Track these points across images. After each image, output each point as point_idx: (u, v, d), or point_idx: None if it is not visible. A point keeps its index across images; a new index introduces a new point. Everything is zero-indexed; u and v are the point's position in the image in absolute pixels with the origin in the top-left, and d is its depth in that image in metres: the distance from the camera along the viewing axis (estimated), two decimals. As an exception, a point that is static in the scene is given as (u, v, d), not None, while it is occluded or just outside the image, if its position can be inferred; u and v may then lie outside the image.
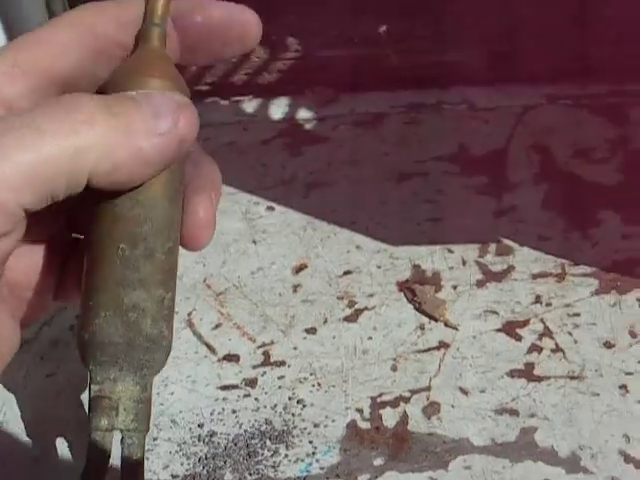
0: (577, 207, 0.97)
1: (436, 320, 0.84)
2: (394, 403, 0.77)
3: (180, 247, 0.42)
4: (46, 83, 0.36)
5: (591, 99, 1.13)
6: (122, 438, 0.53)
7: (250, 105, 1.18)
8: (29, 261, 0.41)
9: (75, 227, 0.44)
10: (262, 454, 0.73)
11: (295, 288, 0.89)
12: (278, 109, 1.16)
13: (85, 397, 0.77)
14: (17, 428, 0.78)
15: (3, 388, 0.81)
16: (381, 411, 0.76)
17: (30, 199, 0.32)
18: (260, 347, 0.83)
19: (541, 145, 1.06)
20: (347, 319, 0.85)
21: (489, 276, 0.89)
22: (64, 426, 0.77)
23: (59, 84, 0.37)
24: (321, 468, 0.72)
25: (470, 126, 1.11)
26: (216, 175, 0.39)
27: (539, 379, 0.78)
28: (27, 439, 0.76)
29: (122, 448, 0.53)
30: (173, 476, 0.72)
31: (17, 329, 0.44)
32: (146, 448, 0.73)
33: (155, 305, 0.47)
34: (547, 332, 0.82)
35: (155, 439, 0.75)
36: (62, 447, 0.76)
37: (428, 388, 0.78)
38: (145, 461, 0.73)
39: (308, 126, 1.12)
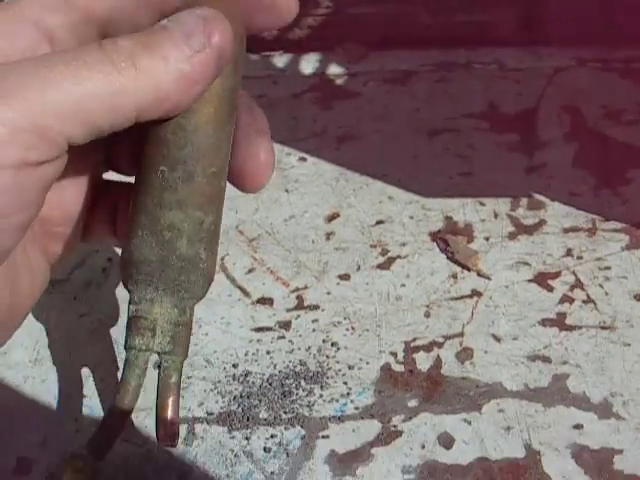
0: (607, 166, 0.97)
1: (469, 270, 0.85)
2: (428, 348, 0.77)
3: (238, 188, 0.43)
4: (85, 20, 0.36)
5: (621, 63, 1.13)
6: (159, 361, 0.53)
7: (280, 60, 1.18)
8: (61, 197, 0.43)
9: (110, 166, 0.46)
10: (297, 394, 0.74)
11: (328, 236, 0.89)
12: (308, 64, 1.16)
13: (118, 337, 0.78)
14: (50, 367, 0.78)
15: (37, 328, 0.82)
16: (415, 355, 0.77)
17: (74, 131, 0.33)
18: (294, 292, 0.83)
19: (571, 106, 1.06)
20: (380, 266, 0.86)
21: (521, 229, 0.89)
22: (97, 365, 0.78)
23: (98, 24, 0.37)
24: (356, 408, 0.72)
25: (500, 86, 1.11)
26: (266, 120, 0.40)
27: (571, 328, 0.78)
28: (60, 377, 0.77)
29: (159, 370, 0.54)
30: (208, 413, 0.72)
31: (47, 266, 0.44)
32: (181, 386, 0.74)
33: (192, 227, 0.47)
34: (578, 284, 0.83)
35: (189, 377, 0.75)
36: (94, 386, 0.76)
37: (461, 334, 0.78)
38: (180, 398, 0.74)
39: (339, 81, 1.13)
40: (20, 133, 0.31)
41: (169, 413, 0.54)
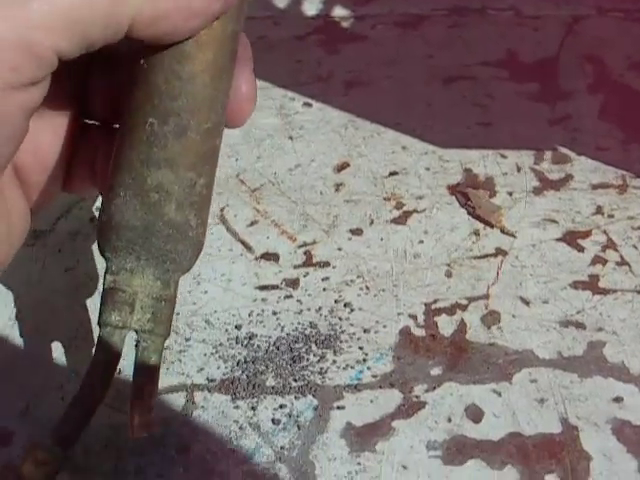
0: (636, 119, 0.91)
1: (492, 226, 0.78)
2: (450, 310, 0.70)
3: None
4: None
5: (643, 13, 1.06)
6: (137, 340, 0.45)
7: (281, 1, 1.10)
8: (38, 145, 0.39)
9: (91, 113, 0.42)
10: (307, 359, 0.67)
11: (337, 187, 0.82)
12: (312, 5, 1.09)
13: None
14: (32, 326, 0.71)
15: (17, 283, 0.74)
16: (436, 318, 0.70)
17: (65, 43, 0.30)
18: (301, 247, 0.76)
19: (594, 56, 1.00)
20: (395, 221, 0.78)
21: (546, 184, 0.82)
22: (83, 325, 0.71)
23: None
24: (373, 376, 0.65)
25: (517, 33, 1.04)
26: (249, 48, 0.38)
27: (605, 292, 0.72)
28: (42, 336, 0.69)
29: (136, 349, 0.46)
30: (209, 380, 0.65)
31: (28, 210, 0.40)
32: (179, 349, 0.66)
33: (183, 189, 0.41)
34: (611, 244, 0.76)
35: (188, 340, 0.68)
36: (80, 348, 0.69)
37: (486, 296, 0.71)
38: (178, 362, 0.66)
39: (345, 24, 1.05)
40: (4, 51, 0.29)
41: (145, 399, 0.46)
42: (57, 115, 0.40)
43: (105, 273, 0.43)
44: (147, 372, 0.46)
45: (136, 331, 0.45)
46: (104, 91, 0.41)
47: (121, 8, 0.31)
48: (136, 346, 0.47)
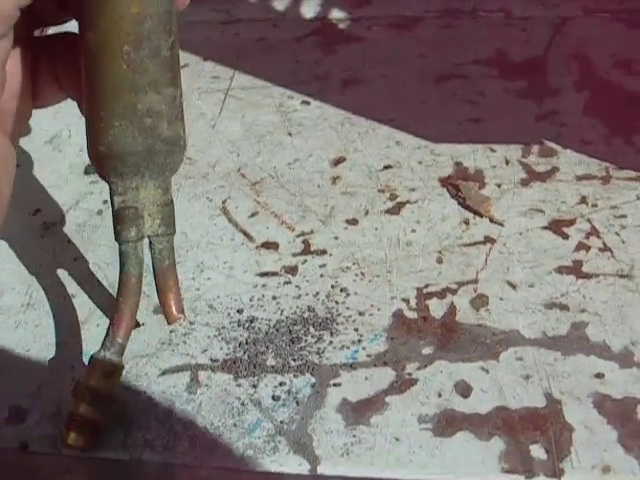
0: (619, 115, 0.94)
1: (481, 216, 0.81)
2: (441, 294, 0.74)
3: None
4: None
5: (629, 13, 1.10)
6: (151, 244, 0.50)
7: (280, 3, 1.14)
8: (2, 74, 0.41)
9: (41, 21, 0.44)
10: (305, 340, 0.71)
11: (334, 180, 0.86)
12: (310, 8, 1.12)
13: (113, 281, 0.74)
14: (43, 312, 0.75)
15: (29, 271, 0.78)
16: (428, 302, 0.73)
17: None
18: (299, 236, 0.80)
19: (580, 55, 1.03)
20: (389, 212, 0.82)
21: (533, 176, 0.86)
22: (92, 310, 0.74)
23: None
24: (368, 355, 0.69)
25: (507, 33, 1.08)
26: None
27: (588, 276, 0.75)
28: (54, 323, 0.73)
29: (152, 254, 0.51)
30: (212, 360, 0.69)
31: (10, 144, 0.42)
32: (183, 332, 0.70)
33: (169, 106, 0.45)
34: (594, 232, 0.80)
35: (192, 323, 0.72)
36: (90, 331, 0.73)
37: (475, 281, 0.75)
38: (183, 344, 0.70)
39: (341, 26, 1.09)
40: None
41: (174, 292, 0.52)
42: (15, 39, 0.41)
43: (112, 196, 0.47)
44: (168, 269, 0.51)
45: (149, 237, 0.49)
46: None
47: None
48: (151, 249, 0.52)
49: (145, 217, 0.46)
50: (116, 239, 0.47)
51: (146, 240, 0.52)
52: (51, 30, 0.46)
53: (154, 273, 0.51)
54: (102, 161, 0.44)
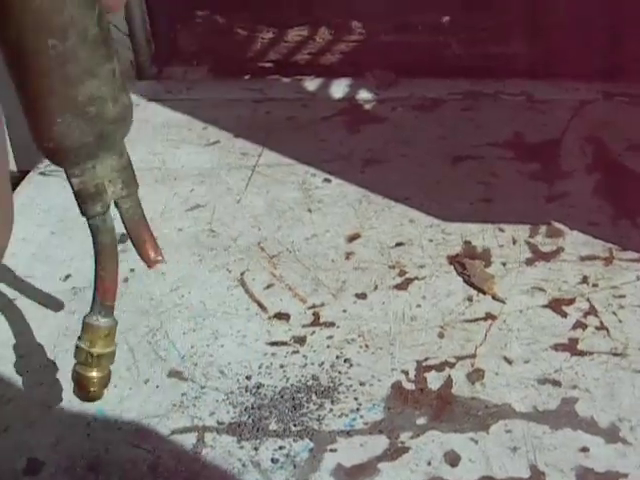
0: (627, 197, 0.98)
1: (484, 293, 0.86)
2: (439, 367, 0.78)
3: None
4: None
5: (648, 98, 1.14)
6: (117, 205, 0.53)
7: (312, 84, 1.20)
8: None
9: None
10: (307, 407, 0.75)
11: (348, 255, 0.91)
12: (339, 89, 1.19)
13: (134, 346, 0.79)
14: (66, 371, 0.80)
15: (57, 332, 0.83)
16: (426, 374, 0.77)
17: None
18: (310, 308, 0.85)
19: (595, 137, 1.08)
20: (397, 287, 0.87)
21: (538, 255, 0.90)
22: (112, 372, 0.79)
23: None
24: (365, 423, 0.73)
25: (526, 116, 1.12)
26: None
27: (582, 354, 0.79)
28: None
29: (121, 213, 0.53)
30: (219, 423, 0.74)
31: None
32: (194, 395, 0.75)
33: (110, 85, 0.43)
34: (592, 311, 0.83)
35: (203, 387, 0.77)
36: (107, 391, 0.77)
37: (473, 355, 0.79)
38: (192, 406, 0.75)
39: (367, 106, 1.15)
40: None
41: (149, 241, 0.54)
42: None
43: (70, 179, 0.46)
44: (139, 222, 0.53)
45: (115, 201, 0.51)
46: None
47: None
48: (119, 210, 0.54)
49: (107, 186, 0.47)
50: (83, 215, 0.49)
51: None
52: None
53: (126, 230, 0.53)
54: (53, 155, 0.45)
